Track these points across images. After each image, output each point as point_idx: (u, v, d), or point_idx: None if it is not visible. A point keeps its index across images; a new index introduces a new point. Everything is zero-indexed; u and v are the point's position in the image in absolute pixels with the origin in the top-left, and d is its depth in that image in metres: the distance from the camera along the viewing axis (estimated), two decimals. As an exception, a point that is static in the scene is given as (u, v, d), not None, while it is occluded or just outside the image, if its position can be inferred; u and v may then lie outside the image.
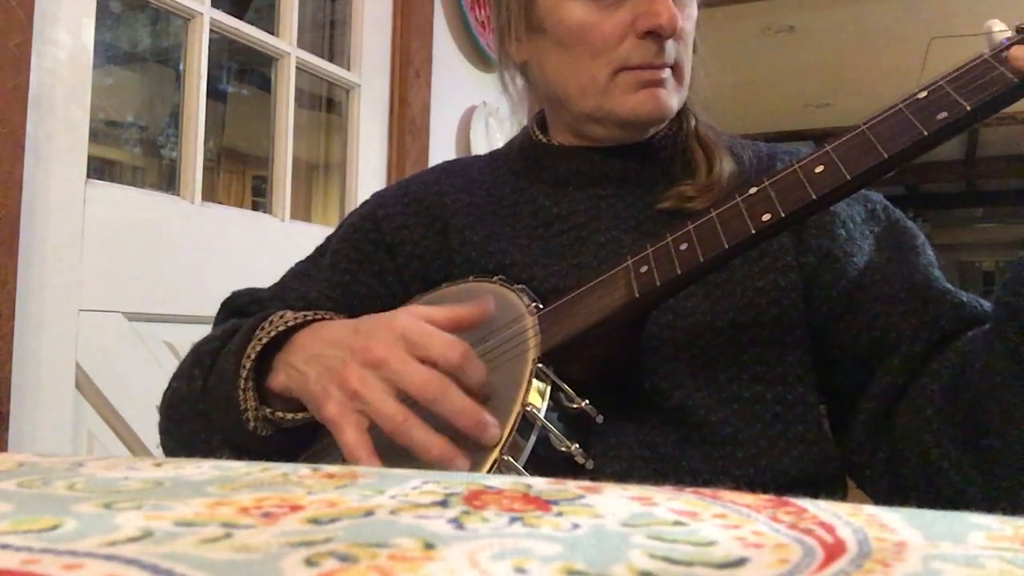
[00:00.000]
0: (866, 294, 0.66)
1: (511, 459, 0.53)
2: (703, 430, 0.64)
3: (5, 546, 0.22)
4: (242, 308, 0.79)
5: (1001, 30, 0.54)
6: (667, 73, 0.70)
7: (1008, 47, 0.51)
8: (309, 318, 0.65)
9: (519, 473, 0.53)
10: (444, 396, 0.53)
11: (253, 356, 0.62)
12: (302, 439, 0.67)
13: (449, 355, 0.54)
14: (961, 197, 8.54)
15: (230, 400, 0.62)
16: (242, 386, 0.62)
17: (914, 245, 0.69)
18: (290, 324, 0.63)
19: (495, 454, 0.53)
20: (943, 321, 0.62)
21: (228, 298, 0.82)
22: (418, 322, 0.57)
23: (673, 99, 0.71)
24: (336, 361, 0.56)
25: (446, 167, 0.85)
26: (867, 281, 0.67)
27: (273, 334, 0.63)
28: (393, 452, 0.59)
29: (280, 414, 0.62)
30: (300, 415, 0.62)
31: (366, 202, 0.85)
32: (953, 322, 0.62)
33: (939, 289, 0.65)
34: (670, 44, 0.69)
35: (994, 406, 0.54)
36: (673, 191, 0.71)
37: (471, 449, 0.55)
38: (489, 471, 0.53)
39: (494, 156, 0.85)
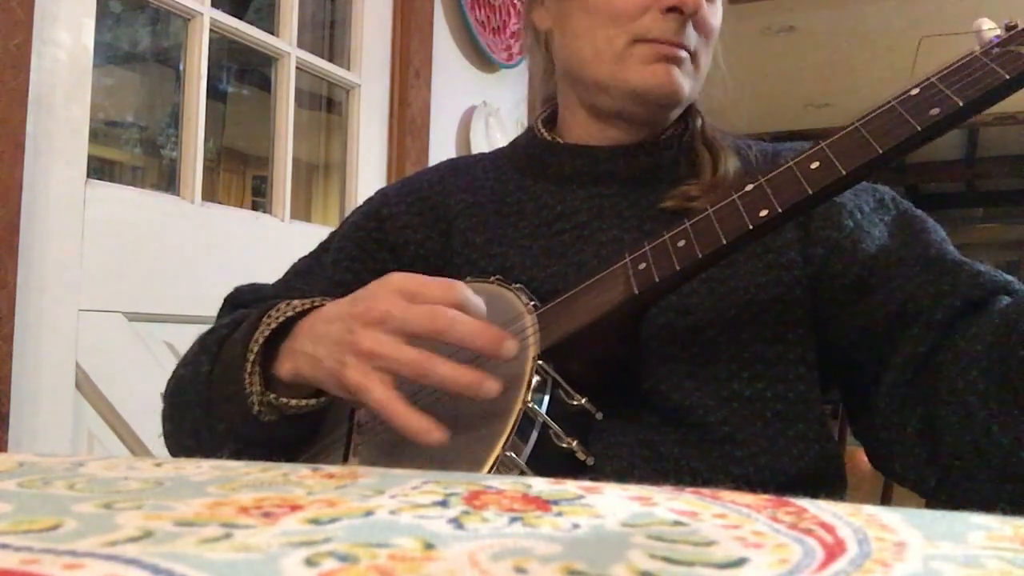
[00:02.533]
0: (880, 275, 0.66)
1: (513, 456, 0.53)
2: (702, 430, 0.64)
3: (5, 546, 0.22)
4: (245, 304, 0.79)
5: (990, 28, 0.55)
6: (684, 54, 0.71)
7: (998, 44, 0.52)
8: (317, 303, 0.65)
9: (521, 470, 0.54)
10: (455, 323, 0.53)
11: (261, 340, 0.63)
12: (303, 434, 0.67)
13: (448, 295, 0.55)
14: (961, 197, 8.53)
15: (236, 386, 0.62)
16: (248, 370, 0.62)
17: (925, 227, 0.70)
18: (298, 310, 0.64)
19: (497, 452, 0.53)
20: (962, 288, 0.62)
21: (231, 293, 0.82)
22: (410, 275, 0.57)
23: (686, 83, 0.72)
24: (342, 333, 0.56)
25: (450, 165, 0.85)
26: (880, 264, 0.67)
27: (281, 319, 0.63)
28: (397, 448, 0.59)
29: (284, 400, 0.62)
30: (304, 401, 0.62)
31: (370, 199, 0.85)
32: (973, 290, 0.61)
33: (954, 260, 0.65)
34: (691, 30, 0.71)
35: None
36: (677, 191, 0.71)
37: (477, 440, 0.55)
38: (491, 469, 0.53)
39: (498, 155, 0.85)
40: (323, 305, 0.64)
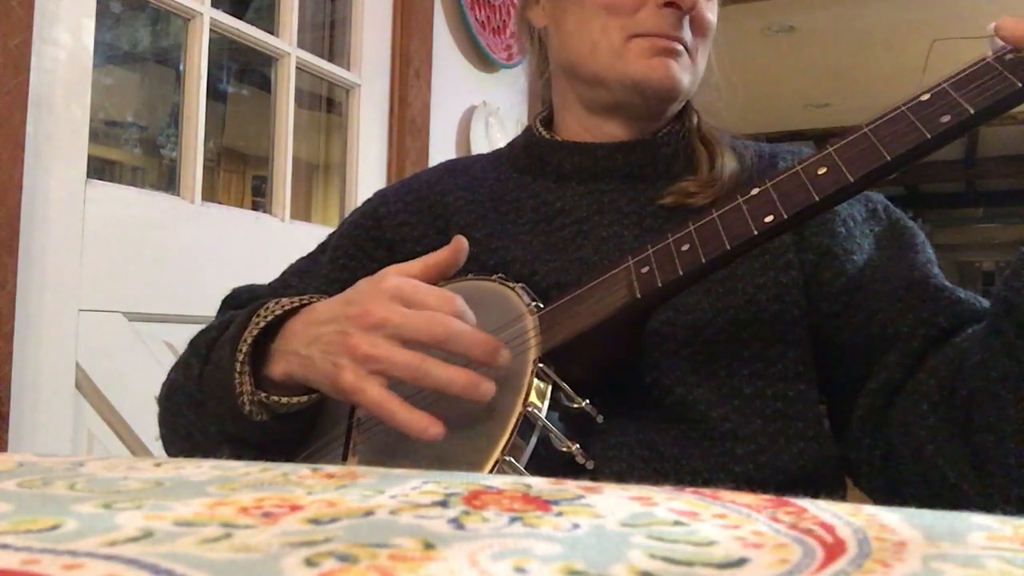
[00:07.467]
0: (865, 291, 0.66)
1: (512, 459, 0.53)
2: (703, 426, 0.64)
3: (5, 546, 0.22)
4: (242, 304, 0.79)
5: None
6: (681, 48, 0.71)
7: (1011, 50, 0.51)
8: (305, 301, 0.65)
9: (520, 474, 0.53)
10: (455, 332, 0.54)
11: (250, 340, 0.63)
12: (296, 433, 0.67)
13: (445, 304, 0.55)
14: (961, 197, 8.53)
15: (226, 386, 0.63)
16: (238, 370, 0.62)
17: (914, 243, 0.70)
18: (287, 308, 0.64)
19: (497, 455, 0.53)
20: (940, 317, 0.62)
21: (228, 295, 0.83)
22: (406, 279, 0.58)
23: (685, 76, 0.72)
24: (337, 335, 0.57)
25: (448, 166, 0.85)
26: (866, 279, 0.67)
27: (270, 318, 0.63)
28: (396, 448, 0.59)
29: (275, 398, 0.63)
30: (296, 399, 0.63)
31: (368, 200, 0.85)
32: (951, 319, 0.62)
33: (936, 286, 0.65)
34: (687, 26, 0.71)
35: (988, 402, 0.54)
36: (675, 187, 0.72)
37: (476, 443, 0.55)
38: (490, 471, 0.53)
39: (497, 155, 0.86)
40: (312, 303, 0.64)
